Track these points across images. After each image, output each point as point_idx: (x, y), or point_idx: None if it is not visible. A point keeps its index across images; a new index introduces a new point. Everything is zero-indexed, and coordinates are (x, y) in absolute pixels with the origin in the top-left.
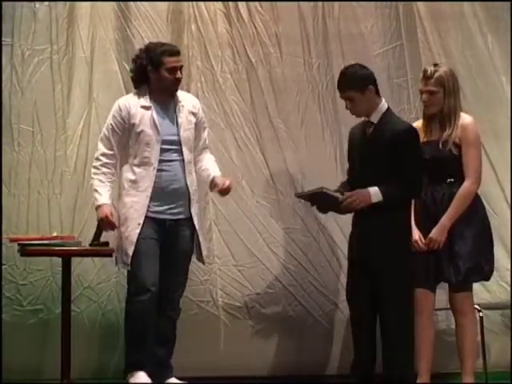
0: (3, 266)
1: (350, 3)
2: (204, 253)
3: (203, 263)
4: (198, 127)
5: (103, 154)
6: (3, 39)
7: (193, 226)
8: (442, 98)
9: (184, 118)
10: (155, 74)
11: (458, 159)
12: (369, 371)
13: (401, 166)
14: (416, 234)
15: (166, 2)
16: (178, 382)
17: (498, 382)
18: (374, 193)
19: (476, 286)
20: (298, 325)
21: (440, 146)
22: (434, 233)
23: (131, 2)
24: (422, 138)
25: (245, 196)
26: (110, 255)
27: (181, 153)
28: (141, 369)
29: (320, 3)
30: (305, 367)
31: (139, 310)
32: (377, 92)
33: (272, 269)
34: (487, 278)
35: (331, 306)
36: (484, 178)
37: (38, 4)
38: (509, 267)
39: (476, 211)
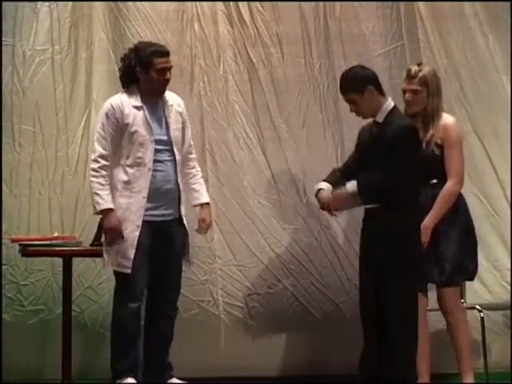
0: (4, 267)
1: (351, 3)
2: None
3: (189, 263)
4: (183, 127)
5: (101, 156)
6: (5, 39)
7: (183, 226)
8: (425, 98)
9: (173, 117)
10: (144, 74)
11: (440, 160)
12: (375, 370)
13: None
14: None
15: (166, 2)
16: (179, 382)
17: (498, 382)
18: (351, 186)
19: (477, 286)
20: (298, 325)
21: (423, 146)
22: None
23: (130, 3)
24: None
25: (246, 196)
26: None
27: (172, 153)
28: (131, 375)
29: (321, 3)
30: (306, 367)
31: (131, 317)
32: (380, 92)
33: (273, 269)
34: (471, 278)
35: (332, 306)
36: (485, 177)
37: (39, 4)
38: (509, 267)
39: (459, 211)
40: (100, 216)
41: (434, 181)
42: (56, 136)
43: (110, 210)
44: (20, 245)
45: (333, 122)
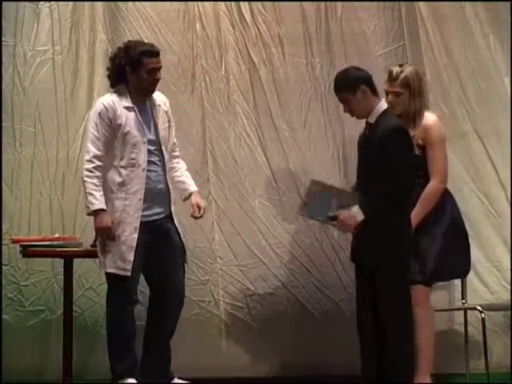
0: (5, 267)
1: (353, 4)
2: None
3: (186, 262)
4: (169, 126)
5: (95, 156)
6: (5, 40)
7: (174, 225)
8: (408, 99)
9: (160, 117)
10: (134, 74)
11: (422, 160)
12: (373, 378)
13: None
14: None
15: (166, 3)
16: (182, 382)
17: (499, 382)
18: (358, 213)
19: (479, 287)
20: (299, 325)
21: None
22: None
23: (131, 3)
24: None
25: (247, 196)
26: None
27: (160, 152)
28: (131, 375)
29: (323, 4)
30: (306, 368)
31: (128, 318)
32: (373, 93)
33: (274, 269)
34: (459, 276)
35: (333, 307)
36: (485, 178)
37: (40, 5)
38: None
39: (445, 210)
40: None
41: (418, 181)
42: (57, 136)
43: (103, 210)
44: (21, 245)
45: (334, 123)
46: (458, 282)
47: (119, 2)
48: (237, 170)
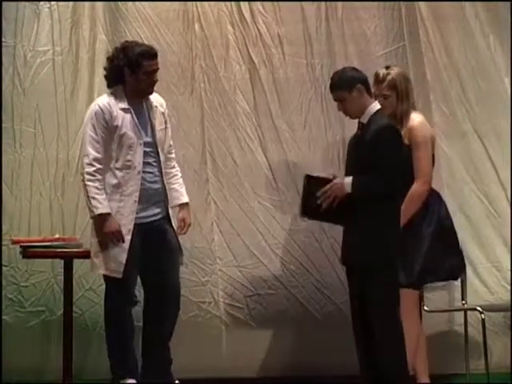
0: (5, 268)
1: (353, 4)
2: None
3: (182, 264)
4: (165, 127)
5: (95, 159)
6: (5, 40)
7: (171, 225)
8: (395, 102)
9: (157, 118)
10: (132, 75)
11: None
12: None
13: (379, 164)
14: None
15: (166, 3)
16: None
17: (499, 382)
18: (348, 185)
19: (479, 287)
20: (299, 326)
21: None
22: None
23: (130, 3)
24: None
25: (247, 197)
26: None
27: (157, 153)
28: (131, 376)
29: (323, 4)
30: (306, 368)
31: (127, 318)
32: (368, 93)
33: (273, 270)
34: (450, 278)
35: (333, 307)
36: (486, 178)
37: (40, 5)
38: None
39: (431, 211)
40: None
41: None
42: (57, 137)
43: (108, 213)
44: (21, 246)
45: (334, 123)
46: (457, 282)
47: (119, 3)
48: (236, 171)
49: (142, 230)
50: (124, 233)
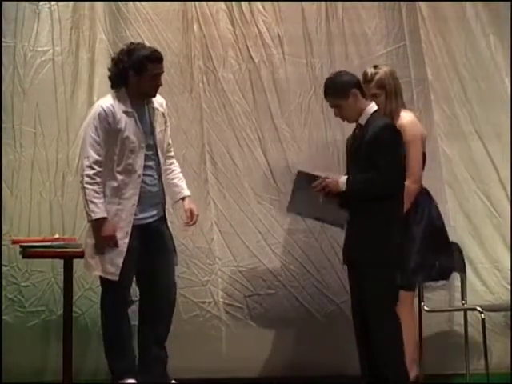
0: (5, 268)
1: (353, 4)
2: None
3: (176, 264)
4: (165, 127)
5: (96, 162)
6: (5, 40)
7: (167, 226)
8: (384, 101)
9: (158, 121)
10: (136, 78)
11: None
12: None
13: (378, 163)
14: None
15: (166, 3)
16: None
17: (499, 382)
18: (342, 182)
19: (479, 287)
20: (299, 326)
21: None
22: None
23: (131, 3)
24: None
25: (246, 197)
26: None
27: (156, 156)
28: (131, 376)
29: (323, 4)
30: (307, 368)
31: (124, 319)
32: (363, 95)
33: (273, 270)
34: (438, 278)
35: (333, 307)
36: (486, 178)
37: (40, 5)
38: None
39: (422, 211)
40: None
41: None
42: (57, 137)
43: (105, 218)
44: (21, 246)
45: (334, 123)
46: (457, 282)
47: (119, 3)
48: (236, 171)
49: (139, 231)
50: (122, 236)
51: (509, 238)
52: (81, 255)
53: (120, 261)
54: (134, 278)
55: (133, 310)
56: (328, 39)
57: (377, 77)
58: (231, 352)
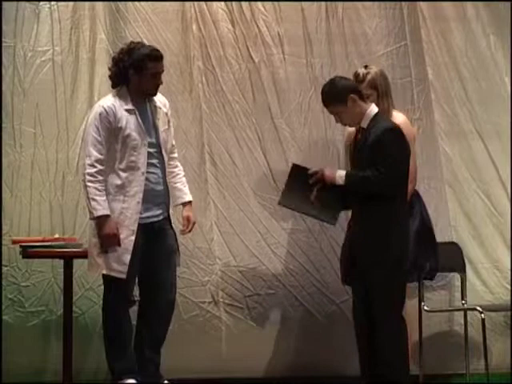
0: (5, 268)
1: (354, 4)
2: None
3: (179, 265)
4: (169, 127)
5: (97, 160)
6: (5, 40)
7: (171, 226)
8: (376, 101)
9: (160, 119)
10: (136, 77)
11: None
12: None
13: (380, 163)
14: None
15: (166, 3)
16: None
17: (499, 383)
18: (339, 175)
19: (479, 287)
20: (299, 326)
21: None
22: None
23: (130, 3)
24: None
25: (246, 197)
26: None
27: (160, 154)
28: (131, 375)
29: (323, 4)
30: (306, 368)
31: (125, 318)
32: (362, 99)
33: (273, 270)
34: (427, 277)
35: (333, 307)
36: (487, 177)
37: (40, 5)
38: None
39: (415, 212)
40: None
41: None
42: (57, 137)
43: (107, 216)
44: (21, 246)
45: (334, 123)
46: (458, 282)
47: (119, 3)
48: (235, 171)
49: (143, 230)
50: (127, 233)
51: (509, 238)
52: (81, 255)
53: (127, 259)
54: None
55: (133, 310)
56: (328, 39)
57: (369, 77)
58: (231, 352)
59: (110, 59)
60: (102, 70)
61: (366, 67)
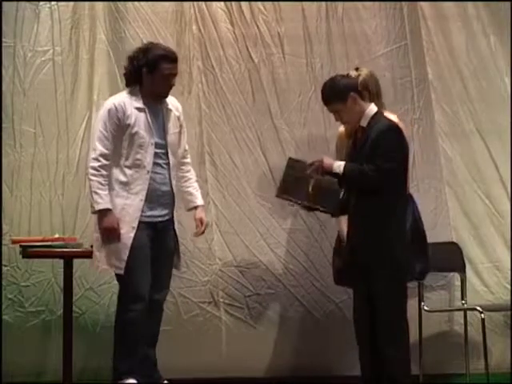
0: (5, 268)
1: (354, 3)
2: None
3: (179, 269)
4: (180, 131)
5: (102, 155)
6: (5, 40)
7: (174, 230)
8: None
9: (171, 121)
10: (149, 76)
11: None
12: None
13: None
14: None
15: (165, 3)
16: None
17: (499, 382)
18: (337, 165)
19: (479, 287)
20: (299, 325)
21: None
22: None
23: (130, 4)
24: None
25: (246, 197)
26: None
27: (167, 156)
28: (132, 376)
29: (323, 3)
30: (306, 368)
31: (134, 319)
32: (362, 98)
33: (273, 269)
34: (419, 278)
35: (332, 307)
36: (487, 177)
37: (40, 5)
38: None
39: (408, 213)
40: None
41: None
42: (57, 137)
43: (109, 209)
44: (21, 246)
45: (334, 123)
46: (457, 282)
47: (119, 3)
48: (235, 171)
49: (149, 229)
50: (127, 230)
51: (509, 238)
52: (81, 255)
53: (125, 254)
54: None
55: None
56: (328, 39)
57: (360, 79)
58: (231, 352)
59: (110, 59)
60: (102, 70)
61: (357, 69)
